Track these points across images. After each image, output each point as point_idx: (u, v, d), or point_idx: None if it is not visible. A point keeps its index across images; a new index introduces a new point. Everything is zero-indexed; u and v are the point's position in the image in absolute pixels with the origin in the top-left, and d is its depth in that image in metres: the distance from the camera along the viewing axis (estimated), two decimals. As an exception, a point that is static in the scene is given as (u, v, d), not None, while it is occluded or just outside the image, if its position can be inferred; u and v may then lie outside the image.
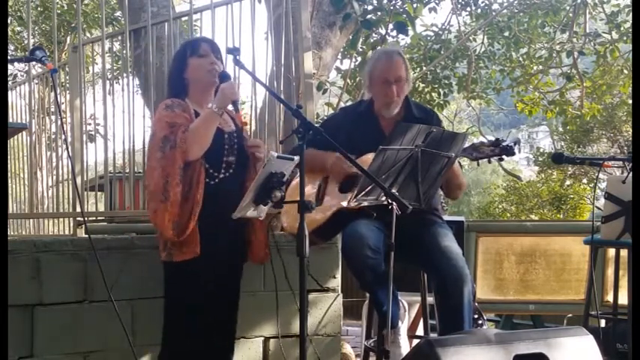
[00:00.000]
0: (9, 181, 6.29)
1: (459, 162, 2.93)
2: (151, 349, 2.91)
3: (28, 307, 2.91)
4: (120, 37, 5.43)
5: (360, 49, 6.85)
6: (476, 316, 4.10)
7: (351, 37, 5.72)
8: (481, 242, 4.88)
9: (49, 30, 10.53)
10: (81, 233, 4.26)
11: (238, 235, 2.83)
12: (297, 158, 2.48)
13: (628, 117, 13.14)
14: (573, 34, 8.86)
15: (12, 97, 6.46)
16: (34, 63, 3.15)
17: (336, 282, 3.57)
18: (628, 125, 14.67)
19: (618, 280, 3.98)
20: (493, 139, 2.95)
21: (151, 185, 2.64)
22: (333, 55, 5.78)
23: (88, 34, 9.98)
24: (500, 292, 4.89)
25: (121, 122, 4.29)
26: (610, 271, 4.50)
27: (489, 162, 2.98)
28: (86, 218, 3.97)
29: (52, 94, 6.18)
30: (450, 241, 2.90)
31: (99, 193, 6.25)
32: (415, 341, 3.08)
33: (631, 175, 3.19)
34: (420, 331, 4.31)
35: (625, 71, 9.07)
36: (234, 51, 2.76)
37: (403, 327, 3.19)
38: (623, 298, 3.84)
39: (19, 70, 10.04)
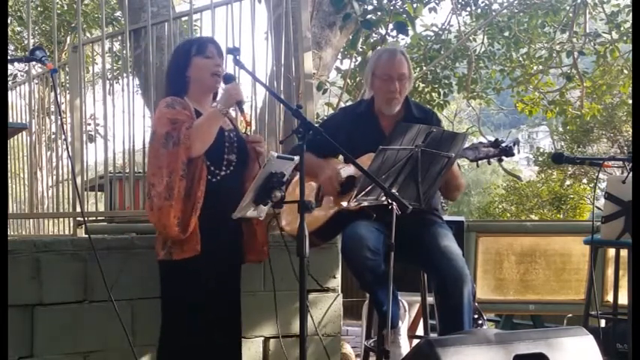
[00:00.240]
0: (9, 181, 6.29)
1: (457, 163, 2.93)
2: (151, 349, 2.91)
3: (28, 307, 2.91)
4: (120, 37, 5.43)
5: (360, 49, 6.85)
6: (476, 316, 4.10)
7: (351, 37, 5.72)
8: (481, 242, 4.88)
9: (49, 30, 10.52)
10: (81, 233, 4.26)
11: (238, 234, 2.84)
12: (297, 158, 2.49)
13: (628, 117, 13.14)
14: (573, 34, 8.86)
15: (12, 97, 6.45)
16: (34, 63, 3.15)
17: (336, 282, 3.57)
18: (628, 125, 14.67)
19: (618, 280, 3.98)
20: (493, 139, 2.95)
21: (154, 183, 2.64)
22: (333, 55, 5.78)
23: (88, 34, 9.98)
24: (500, 292, 4.89)
25: (121, 122, 4.29)
26: (610, 271, 4.50)
27: (489, 163, 2.98)
28: (86, 218, 3.97)
29: (52, 94, 6.18)
30: (449, 241, 2.90)
31: (99, 193, 6.25)
32: (415, 341, 3.08)
33: (631, 175, 3.19)
34: (420, 331, 4.31)
35: (625, 71, 9.07)
36: (234, 51, 2.76)
37: (403, 327, 3.19)
38: (623, 298, 3.84)
39: (19, 70, 10.03)
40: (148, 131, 4.29)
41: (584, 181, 16.47)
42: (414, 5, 6.41)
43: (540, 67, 9.54)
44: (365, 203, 2.66)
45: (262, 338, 3.40)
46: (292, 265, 3.03)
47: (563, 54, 8.95)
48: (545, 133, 25.05)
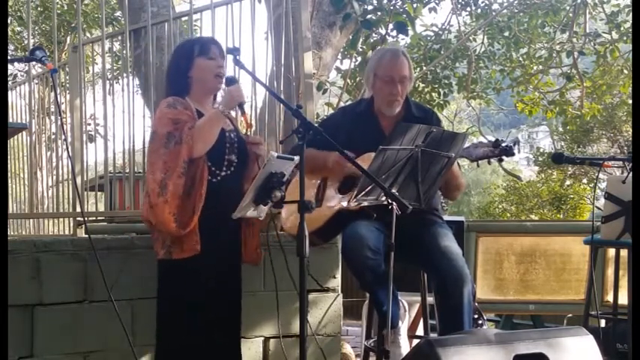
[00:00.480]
0: (9, 181, 6.29)
1: (457, 163, 2.93)
2: (151, 349, 2.91)
3: (28, 307, 2.91)
4: (120, 37, 5.43)
5: (360, 49, 6.85)
6: (476, 316, 4.09)
7: (351, 37, 5.72)
8: (481, 242, 4.88)
9: (49, 30, 10.52)
10: (81, 233, 4.26)
11: (238, 234, 2.84)
12: (297, 158, 2.49)
13: (628, 117, 13.14)
14: (573, 34, 8.86)
15: (12, 97, 6.45)
16: (34, 63, 3.15)
17: (336, 282, 3.57)
18: (628, 125, 14.66)
19: (618, 280, 3.98)
20: (493, 139, 2.95)
21: (151, 181, 2.64)
22: (333, 55, 5.79)
23: (88, 34, 9.98)
24: (500, 292, 4.89)
25: (121, 122, 4.29)
26: (610, 271, 4.50)
27: (489, 163, 2.98)
28: (86, 218, 3.97)
29: (52, 94, 6.18)
30: (449, 241, 2.90)
31: (99, 193, 6.25)
32: (415, 341, 3.08)
33: (631, 175, 3.19)
34: (420, 331, 4.31)
35: (625, 71, 9.07)
36: (234, 51, 2.76)
37: (403, 327, 3.19)
38: (623, 298, 3.84)
39: (19, 70, 10.03)
40: (148, 131, 4.30)
41: (584, 181, 16.47)
42: (414, 5, 6.42)
43: (540, 67, 9.54)
44: (365, 203, 2.66)
45: (262, 338, 3.40)
46: (287, 267, 3.05)
47: (563, 54, 8.95)
48: (545, 133, 25.05)
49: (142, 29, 4.57)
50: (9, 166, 6.12)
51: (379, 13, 5.59)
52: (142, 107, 4.68)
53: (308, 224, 2.41)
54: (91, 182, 5.44)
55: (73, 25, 9.92)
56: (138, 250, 3.12)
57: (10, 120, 5.60)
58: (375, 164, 2.57)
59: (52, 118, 6.80)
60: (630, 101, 9.00)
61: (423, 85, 8.89)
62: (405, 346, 3.06)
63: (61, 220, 5.95)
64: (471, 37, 9.41)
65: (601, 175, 5.37)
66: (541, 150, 18.65)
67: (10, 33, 10.39)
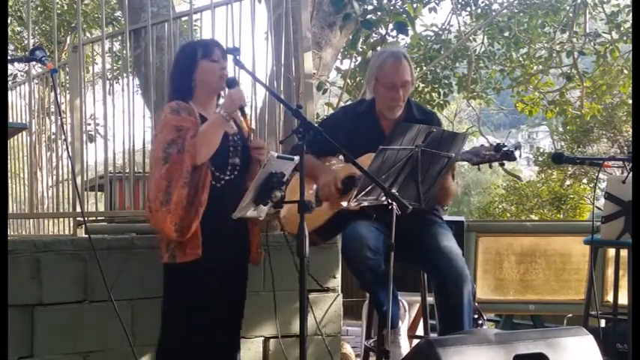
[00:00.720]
0: (9, 181, 6.28)
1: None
2: (151, 349, 2.91)
3: (28, 307, 2.91)
4: (120, 37, 5.43)
5: (360, 49, 6.84)
6: (476, 316, 4.09)
7: (351, 37, 5.71)
8: (481, 242, 4.88)
9: (49, 30, 10.52)
10: (81, 233, 4.26)
11: (241, 235, 2.84)
12: (297, 158, 2.49)
13: (628, 117, 13.14)
14: (573, 34, 8.85)
15: (12, 97, 6.45)
16: (34, 63, 3.15)
17: (336, 282, 3.57)
18: (628, 125, 14.66)
19: (618, 280, 3.98)
20: (494, 143, 2.94)
21: (153, 188, 2.65)
22: (333, 55, 5.78)
23: (88, 34, 9.98)
24: (500, 292, 4.89)
25: (121, 122, 4.29)
26: (610, 271, 4.50)
27: (490, 167, 2.99)
28: (86, 218, 3.97)
29: (52, 94, 6.18)
30: (449, 241, 2.90)
31: (99, 193, 6.24)
32: (415, 341, 3.08)
33: (631, 175, 3.19)
34: (420, 331, 4.31)
35: (625, 71, 9.06)
36: (234, 51, 2.77)
37: (403, 327, 3.19)
38: (623, 298, 3.84)
39: (19, 70, 10.02)
40: (148, 131, 4.31)
41: (584, 181, 16.46)
42: (414, 5, 6.41)
43: (540, 67, 9.53)
44: (365, 203, 2.66)
45: (262, 338, 3.40)
46: (295, 264, 3.03)
47: (563, 54, 8.94)
48: (545, 133, 25.05)
49: (142, 29, 4.57)
50: (9, 166, 6.12)
51: (379, 13, 5.58)
52: (141, 107, 4.68)
53: (308, 223, 2.41)
54: (91, 182, 5.44)
55: (73, 25, 9.91)
56: (138, 250, 3.12)
57: (10, 120, 5.60)
58: (375, 164, 2.57)
59: (52, 118, 6.80)
60: (630, 101, 9.00)
61: (423, 85, 8.88)
62: (405, 346, 3.06)
63: (61, 220, 5.95)
64: (470, 37, 9.40)
65: (601, 175, 5.37)
66: (541, 150, 18.64)
67: (10, 33, 10.39)
